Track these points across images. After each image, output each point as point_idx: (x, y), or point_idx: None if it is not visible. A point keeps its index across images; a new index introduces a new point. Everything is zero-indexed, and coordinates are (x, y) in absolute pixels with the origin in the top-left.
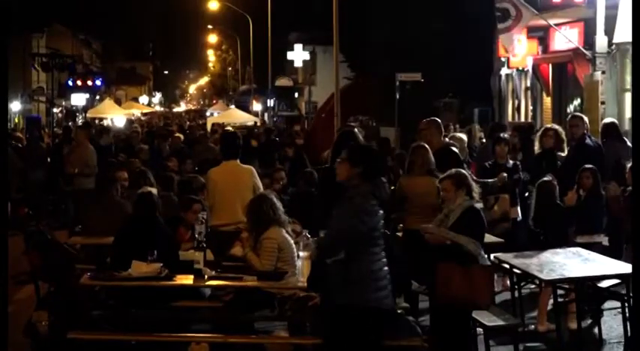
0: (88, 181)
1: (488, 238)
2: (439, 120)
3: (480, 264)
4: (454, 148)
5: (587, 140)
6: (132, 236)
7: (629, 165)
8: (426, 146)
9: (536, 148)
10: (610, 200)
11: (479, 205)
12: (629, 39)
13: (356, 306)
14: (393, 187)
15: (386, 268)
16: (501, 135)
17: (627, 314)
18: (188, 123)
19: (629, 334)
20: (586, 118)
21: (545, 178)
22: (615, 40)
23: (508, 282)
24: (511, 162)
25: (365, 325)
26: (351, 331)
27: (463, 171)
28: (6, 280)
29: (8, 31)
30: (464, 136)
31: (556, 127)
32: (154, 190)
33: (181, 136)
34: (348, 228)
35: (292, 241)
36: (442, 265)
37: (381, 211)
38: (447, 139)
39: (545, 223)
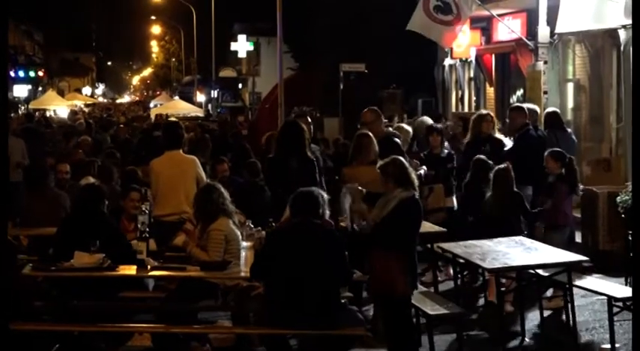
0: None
1: (431, 227)
2: (378, 109)
3: (398, 251)
4: (396, 138)
5: (531, 131)
6: (76, 227)
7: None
8: (370, 135)
9: (470, 134)
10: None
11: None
12: (571, 29)
13: None
14: (336, 177)
15: None
16: (434, 125)
17: (569, 302)
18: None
19: (571, 321)
20: (536, 107)
21: (501, 166)
22: (557, 30)
23: (451, 271)
24: (446, 151)
25: None
26: None
27: (391, 160)
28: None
29: (6, 26)
30: (409, 129)
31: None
32: (95, 181)
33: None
34: None
35: (239, 233)
36: (371, 253)
37: None
38: (390, 129)
39: (503, 211)
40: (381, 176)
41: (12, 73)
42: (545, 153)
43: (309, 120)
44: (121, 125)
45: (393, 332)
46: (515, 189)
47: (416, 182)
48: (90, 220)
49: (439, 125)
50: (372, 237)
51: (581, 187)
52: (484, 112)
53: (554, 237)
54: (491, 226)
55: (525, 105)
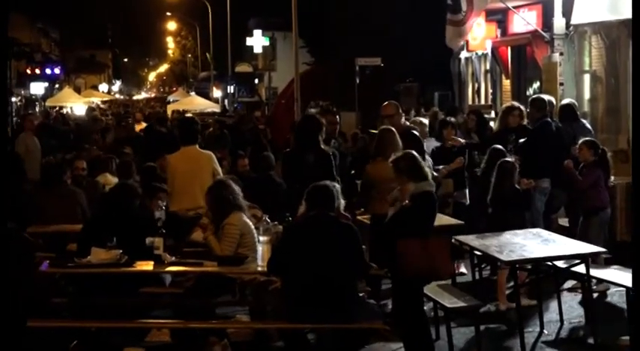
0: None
1: (448, 220)
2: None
3: (437, 236)
4: (415, 132)
5: (549, 122)
6: (106, 224)
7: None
8: (393, 130)
9: (497, 126)
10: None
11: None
12: (587, 20)
13: None
14: (353, 172)
15: None
16: (447, 118)
17: (587, 294)
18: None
19: (589, 313)
20: (552, 99)
21: (506, 158)
22: (573, 21)
23: (462, 267)
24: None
25: None
26: None
27: (403, 155)
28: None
29: (6, 27)
30: (425, 121)
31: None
32: (114, 179)
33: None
34: None
35: (253, 226)
36: (401, 240)
37: None
38: (407, 123)
39: (505, 204)
40: (394, 171)
41: (28, 71)
42: (580, 141)
43: (337, 118)
44: (129, 120)
45: (406, 326)
46: (517, 185)
47: (429, 175)
48: (119, 218)
49: (452, 119)
50: (387, 230)
51: (612, 178)
52: (515, 104)
53: (593, 221)
54: (492, 218)
55: (544, 96)
